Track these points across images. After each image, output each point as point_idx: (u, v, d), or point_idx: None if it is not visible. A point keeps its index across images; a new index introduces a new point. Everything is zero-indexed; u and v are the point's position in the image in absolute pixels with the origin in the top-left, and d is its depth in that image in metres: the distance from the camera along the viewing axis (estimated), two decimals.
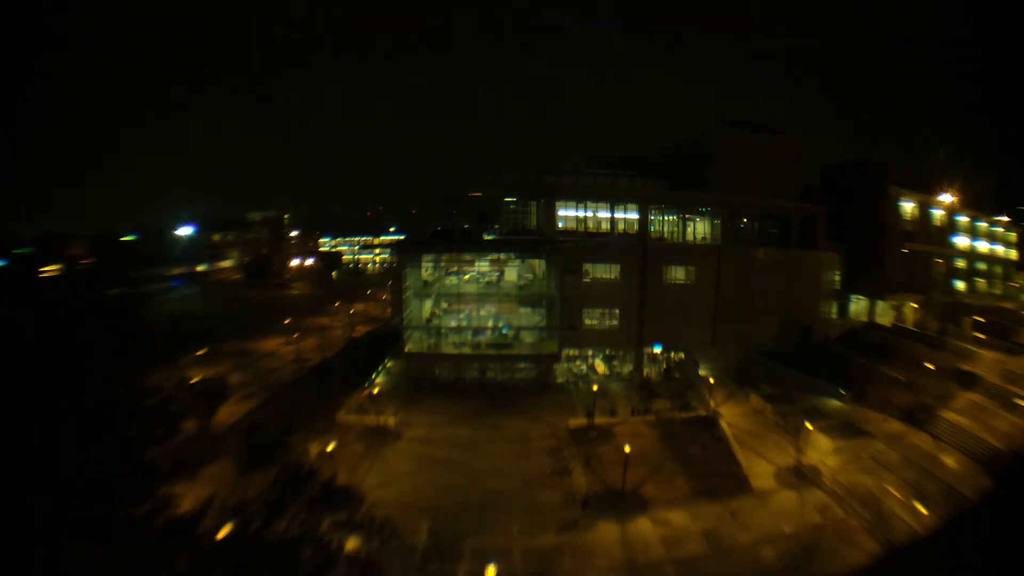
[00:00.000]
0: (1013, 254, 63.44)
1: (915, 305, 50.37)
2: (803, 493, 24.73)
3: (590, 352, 41.38)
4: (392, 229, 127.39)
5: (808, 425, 28.40)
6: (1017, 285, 61.46)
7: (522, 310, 41.92)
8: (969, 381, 32.99)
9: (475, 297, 42.24)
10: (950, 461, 25.86)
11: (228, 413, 31.02)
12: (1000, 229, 62.16)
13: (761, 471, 26.45)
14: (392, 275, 59.95)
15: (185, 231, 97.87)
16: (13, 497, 11.77)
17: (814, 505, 23.89)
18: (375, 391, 35.72)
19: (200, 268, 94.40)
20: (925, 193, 50.35)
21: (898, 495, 24.32)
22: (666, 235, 44.13)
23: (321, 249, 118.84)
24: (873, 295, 49.33)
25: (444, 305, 42.97)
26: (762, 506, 23.71)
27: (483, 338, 39.78)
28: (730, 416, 32.06)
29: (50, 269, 58.98)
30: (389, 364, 41.05)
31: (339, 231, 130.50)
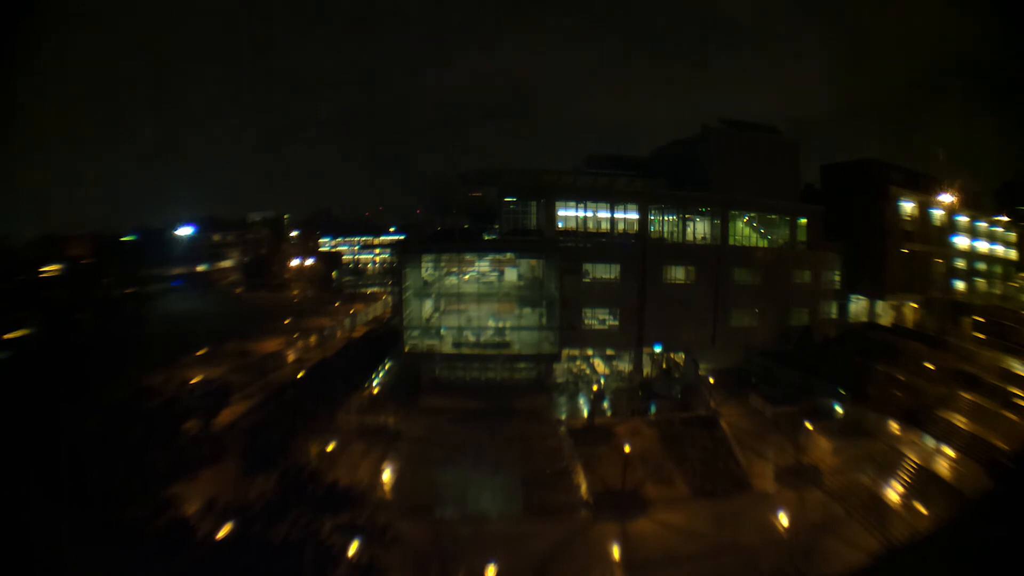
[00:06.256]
0: (1013, 254, 63.27)
1: (915, 305, 50.34)
2: (803, 493, 24.73)
3: (590, 352, 41.35)
4: (392, 229, 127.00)
5: (808, 425, 28.42)
6: (1017, 285, 61.38)
7: (522, 310, 41.91)
8: (969, 381, 32.97)
9: (475, 297, 42.20)
10: (950, 461, 25.86)
11: (228, 414, 30.99)
12: (1000, 229, 62.06)
13: (761, 471, 26.44)
14: (392, 275, 59.98)
15: (185, 231, 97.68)
16: (15, 497, 11.80)
17: (814, 505, 23.91)
18: (375, 391, 35.71)
19: (200, 268, 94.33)
20: (925, 193, 50.31)
21: (898, 495, 24.37)
22: (666, 235, 44.08)
23: (321, 249, 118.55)
24: (873, 295, 49.28)
25: (444, 305, 42.96)
26: (762, 506, 23.72)
27: (483, 338, 39.80)
28: (730, 416, 32.01)
29: (50, 269, 58.78)
30: (389, 364, 41.06)
31: (339, 231, 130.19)
